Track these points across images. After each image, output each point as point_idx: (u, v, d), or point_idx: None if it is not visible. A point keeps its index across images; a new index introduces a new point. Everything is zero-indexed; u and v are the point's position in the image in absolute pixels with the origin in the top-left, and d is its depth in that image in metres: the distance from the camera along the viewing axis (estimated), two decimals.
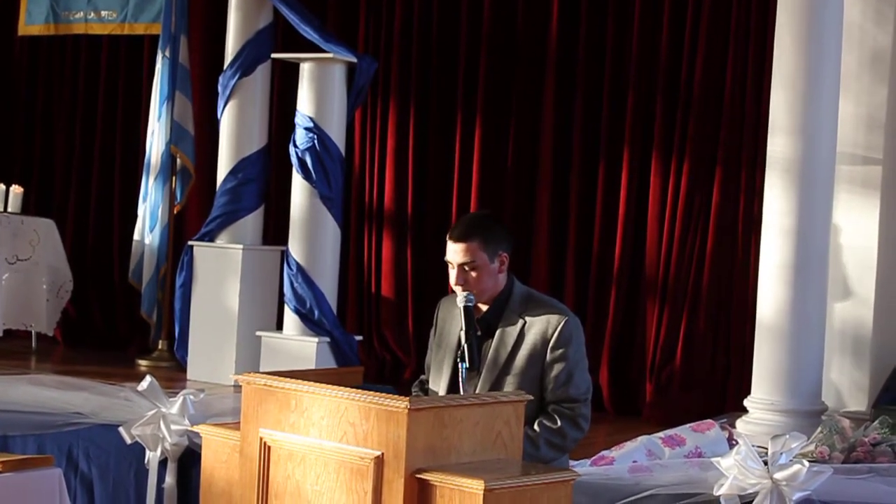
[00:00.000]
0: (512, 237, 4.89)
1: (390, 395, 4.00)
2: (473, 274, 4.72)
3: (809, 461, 5.46)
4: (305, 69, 9.03)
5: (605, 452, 6.35)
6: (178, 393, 6.50)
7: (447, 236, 4.79)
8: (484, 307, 4.80)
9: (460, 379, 4.64)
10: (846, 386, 8.20)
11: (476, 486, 3.87)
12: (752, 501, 5.32)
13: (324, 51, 8.98)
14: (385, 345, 9.93)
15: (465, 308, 4.69)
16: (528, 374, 4.69)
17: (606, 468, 6.11)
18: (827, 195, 7.56)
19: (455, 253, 4.74)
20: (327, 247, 9.03)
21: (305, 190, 8.97)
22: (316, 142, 8.88)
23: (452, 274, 4.76)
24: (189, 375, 9.31)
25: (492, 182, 9.63)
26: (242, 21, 9.47)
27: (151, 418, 6.43)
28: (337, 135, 9.03)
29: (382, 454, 3.98)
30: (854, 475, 5.92)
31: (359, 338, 9.31)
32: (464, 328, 4.67)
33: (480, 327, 4.75)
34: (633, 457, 6.27)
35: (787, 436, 5.29)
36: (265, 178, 9.65)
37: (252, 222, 9.53)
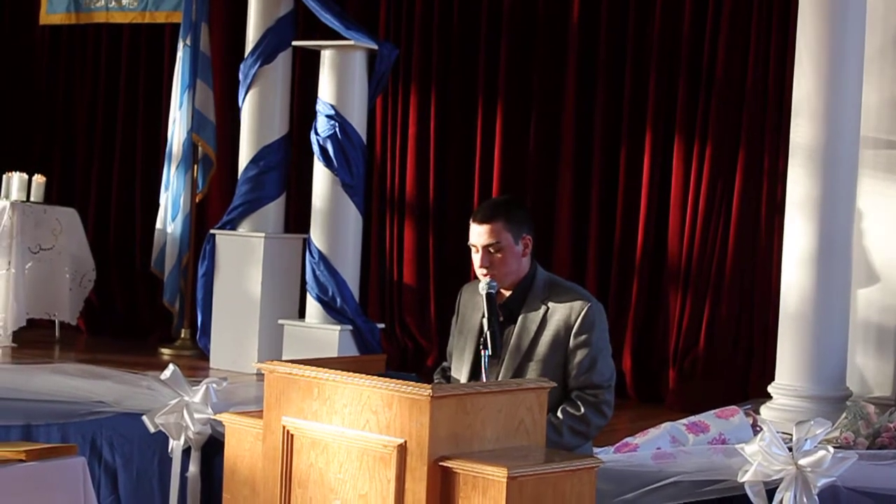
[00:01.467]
0: (534, 222, 4.86)
1: (413, 383, 4.00)
2: (498, 255, 4.71)
3: (834, 447, 5.45)
4: (326, 56, 9.02)
5: (628, 439, 6.34)
6: (200, 381, 6.52)
7: (470, 220, 4.77)
8: (506, 293, 4.79)
9: (482, 366, 4.63)
10: (871, 371, 8.16)
11: (499, 474, 3.86)
12: (777, 488, 5.31)
13: (344, 38, 8.97)
14: (407, 332, 9.93)
15: (488, 295, 4.68)
16: (551, 361, 4.68)
17: (630, 455, 6.10)
18: (850, 180, 7.52)
19: (479, 235, 4.72)
20: (349, 234, 9.03)
21: (327, 178, 8.96)
22: (337, 129, 8.87)
23: (476, 258, 4.74)
24: (212, 364, 9.32)
25: (513, 168, 9.62)
26: (263, 9, 9.46)
27: (174, 407, 6.46)
28: (358, 122, 9.02)
29: (405, 442, 3.98)
30: (879, 461, 5.91)
31: (381, 325, 9.30)
32: (486, 315, 4.66)
33: (503, 313, 4.73)
34: (656, 443, 6.26)
35: (812, 422, 5.28)
36: (287, 166, 9.65)
37: (274, 210, 9.53)
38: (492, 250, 4.70)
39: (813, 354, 7.40)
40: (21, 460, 5.10)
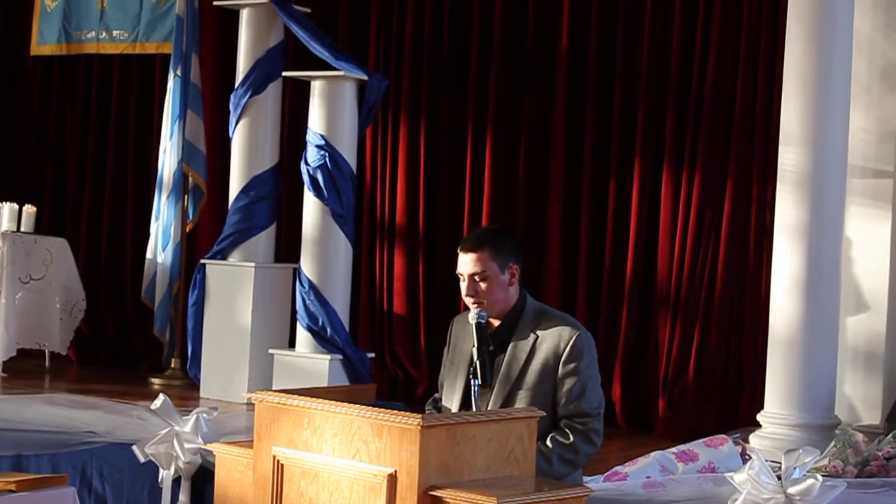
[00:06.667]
0: (522, 251, 4.89)
1: (403, 413, 4.01)
2: (483, 285, 4.74)
3: (823, 476, 5.45)
4: (316, 87, 9.05)
5: (618, 468, 6.35)
6: (191, 411, 6.51)
7: (458, 249, 4.81)
8: (496, 322, 4.81)
9: (472, 395, 4.65)
10: (859, 399, 8.18)
11: (489, 503, 3.87)
12: None
13: (334, 68, 9.00)
14: (397, 361, 9.93)
15: (478, 324, 4.70)
16: (541, 389, 4.69)
17: (620, 484, 6.10)
18: (838, 207, 7.56)
19: (465, 264, 4.76)
20: (339, 264, 9.04)
21: (317, 207, 8.98)
22: (327, 159, 8.90)
23: (463, 286, 4.78)
24: (202, 393, 9.32)
25: (503, 196, 9.64)
26: (253, 39, 9.49)
27: (165, 437, 6.44)
28: (348, 152, 9.04)
29: (395, 471, 3.99)
30: (868, 489, 5.92)
31: (371, 355, 9.31)
32: (476, 345, 4.68)
33: (493, 342, 4.76)
34: (646, 472, 6.27)
35: (801, 450, 5.28)
36: (277, 196, 9.66)
37: (264, 240, 9.53)
38: (477, 279, 4.74)
39: (802, 383, 7.41)
40: (11, 491, 5.10)
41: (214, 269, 9.47)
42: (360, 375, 8.88)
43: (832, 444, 6.77)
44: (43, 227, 10.91)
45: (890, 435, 6.79)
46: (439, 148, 9.98)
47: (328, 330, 8.86)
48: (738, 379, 8.82)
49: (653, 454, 6.46)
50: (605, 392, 4.93)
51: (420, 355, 9.83)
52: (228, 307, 9.34)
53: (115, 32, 11.14)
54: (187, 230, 10.14)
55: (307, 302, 8.93)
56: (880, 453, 6.56)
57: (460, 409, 4.75)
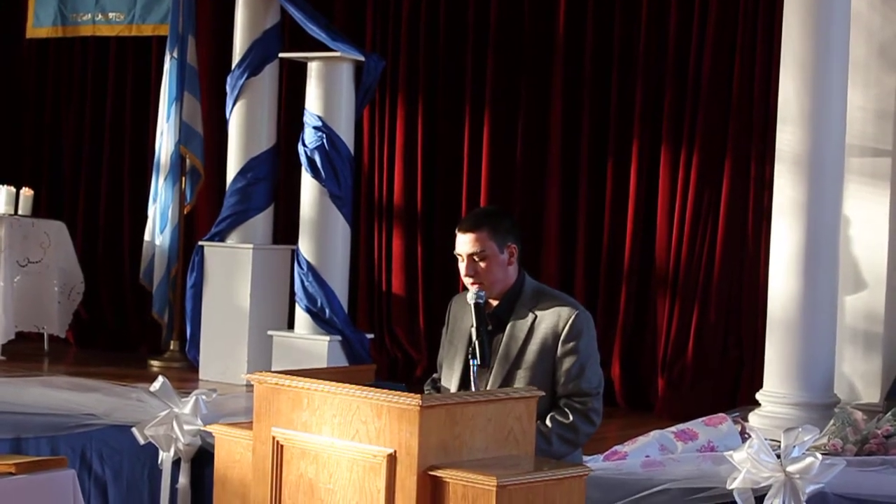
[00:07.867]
0: (520, 231, 4.88)
1: (402, 393, 4.01)
2: (482, 264, 4.73)
3: (822, 454, 5.47)
4: (313, 68, 9.04)
5: (617, 447, 6.36)
6: (190, 393, 6.52)
7: (456, 229, 4.80)
8: (495, 302, 4.81)
9: (472, 375, 4.64)
10: (858, 378, 8.19)
11: (489, 483, 3.87)
12: (766, 495, 5.32)
13: (331, 49, 8.99)
14: (396, 342, 9.94)
15: (476, 304, 4.70)
16: (539, 368, 4.69)
17: (619, 463, 6.11)
18: (837, 187, 7.55)
19: (464, 244, 4.75)
20: (337, 245, 9.04)
21: (315, 189, 8.97)
22: (325, 141, 8.89)
23: (462, 267, 4.77)
24: (201, 375, 9.32)
25: (501, 178, 9.64)
26: (250, 21, 9.47)
27: (164, 419, 6.46)
28: (345, 133, 9.03)
29: (395, 452, 3.99)
30: (867, 467, 5.94)
31: (370, 335, 9.31)
32: (474, 324, 4.67)
33: (491, 322, 4.75)
34: (645, 451, 6.28)
35: (800, 429, 5.29)
36: (275, 178, 9.65)
37: (262, 222, 9.53)
38: (476, 259, 4.73)
39: (800, 361, 7.41)
40: (11, 473, 5.10)
41: (212, 251, 9.46)
42: (359, 356, 8.88)
43: (831, 422, 6.78)
44: (41, 210, 10.90)
45: (889, 413, 6.80)
46: (437, 129, 9.97)
47: (327, 311, 8.86)
48: (737, 358, 8.82)
49: (652, 433, 6.47)
50: (605, 371, 4.91)
51: (419, 336, 9.83)
52: (227, 289, 9.34)
53: (111, 14, 11.12)
54: (185, 212, 10.12)
55: (306, 283, 8.92)
56: (879, 431, 6.57)
57: (459, 389, 4.75)
